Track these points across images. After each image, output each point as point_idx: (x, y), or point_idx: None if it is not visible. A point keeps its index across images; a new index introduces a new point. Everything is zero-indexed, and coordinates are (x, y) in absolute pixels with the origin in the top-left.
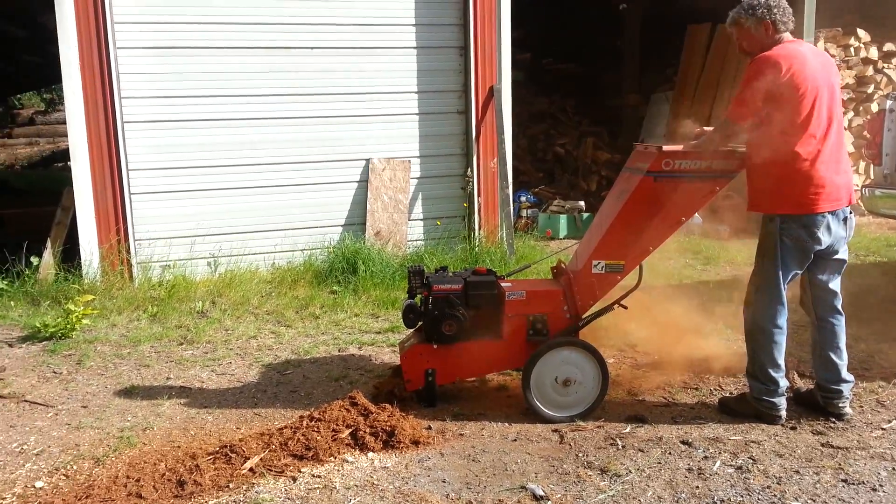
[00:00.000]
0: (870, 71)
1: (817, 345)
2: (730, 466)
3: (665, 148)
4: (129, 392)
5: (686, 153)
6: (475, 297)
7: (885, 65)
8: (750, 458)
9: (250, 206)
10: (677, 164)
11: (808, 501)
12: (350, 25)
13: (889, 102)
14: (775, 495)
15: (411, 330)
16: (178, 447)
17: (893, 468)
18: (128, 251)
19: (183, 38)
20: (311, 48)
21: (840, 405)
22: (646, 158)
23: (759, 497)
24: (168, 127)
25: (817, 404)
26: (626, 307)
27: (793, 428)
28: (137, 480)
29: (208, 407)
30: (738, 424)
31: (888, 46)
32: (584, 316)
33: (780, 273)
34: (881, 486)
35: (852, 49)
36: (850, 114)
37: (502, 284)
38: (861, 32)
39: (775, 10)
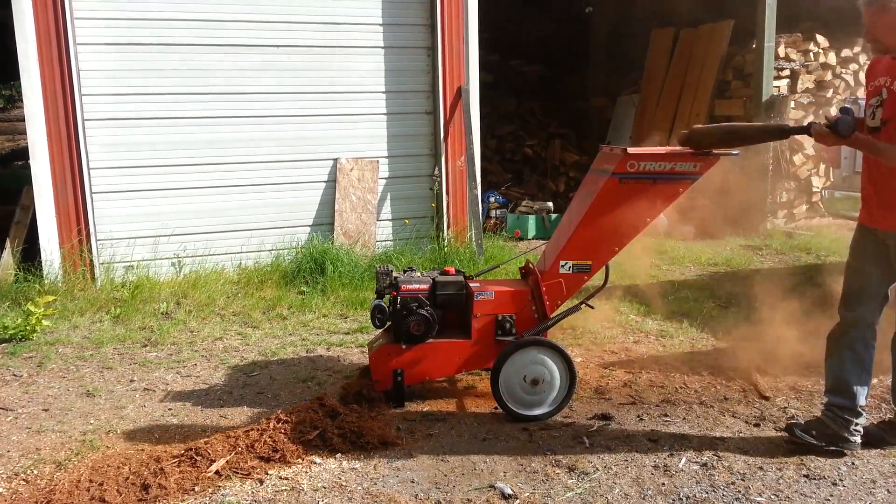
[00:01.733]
0: (829, 76)
1: None
2: (695, 463)
3: (630, 150)
4: (91, 395)
5: (651, 155)
6: (443, 296)
7: (843, 70)
8: (714, 454)
9: (216, 205)
10: (642, 166)
11: (772, 497)
12: (316, 24)
13: (847, 106)
14: (739, 491)
15: (380, 330)
16: (143, 450)
17: (853, 463)
18: (90, 251)
19: (145, 35)
20: (277, 46)
21: None
22: (611, 160)
23: (724, 493)
24: (130, 125)
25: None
26: (592, 307)
27: (756, 425)
28: (101, 484)
29: (173, 409)
30: (703, 421)
31: (846, 52)
32: (551, 316)
33: None
34: (841, 480)
35: (812, 54)
36: (811, 117)
37: (471, 284)
38: (820, 38)
39: None
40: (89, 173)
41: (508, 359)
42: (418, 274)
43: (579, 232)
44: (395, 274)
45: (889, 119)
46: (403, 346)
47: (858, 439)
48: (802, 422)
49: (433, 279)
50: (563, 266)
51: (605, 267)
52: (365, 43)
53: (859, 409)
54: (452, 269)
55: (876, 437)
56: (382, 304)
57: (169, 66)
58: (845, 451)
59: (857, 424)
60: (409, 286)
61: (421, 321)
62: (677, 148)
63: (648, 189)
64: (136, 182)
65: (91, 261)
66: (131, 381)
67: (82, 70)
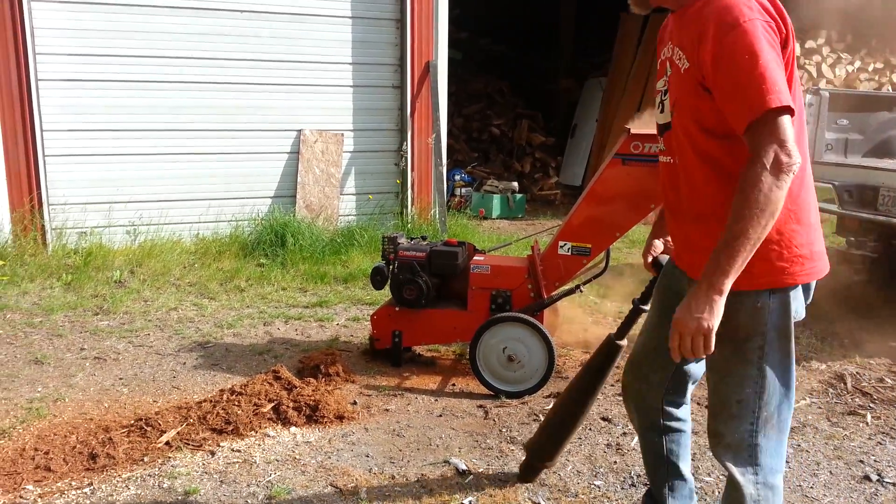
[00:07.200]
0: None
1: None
2: None
3: (633, 130)
4: (39, 362)
5: (655, 136)
6: (437, 265)
7: (807, 61)
8: None
9: (174, 173)
10: (646, 148)
11: (720, 476)
12: None
13: (808, 97)
14: None
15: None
16: (91, 419)
17: (799, 445)
18: (41, 216)
19: None
20: (241, 11)
21: None
22: (619, 141)
23: None
24: (87, 87)
25: None
26: (582, 291)
27: (698, 403)
28: (46, 453)
29: (124, 379)
30: None
31: (809, 43)
32: (547, 296)
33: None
34: (788, 462)
35: None
36: None
37: (475, 258)
38: None
39: None
40: (42, 135)
41: (486, 331)
42: (425, 243)
43: (579, 213)
44: (400, 241)
45: (676, 102)
46: (397, 309)
47: None
48: None
49: (431, 248)
50: (561, 247)
51: (606, 251)
52: (332, 11)
53: None
54: (455, 241)
55: None
56: (382, 266)
57: (128, 27)
58: None
59: None
60: (407, 252)
61: (413, 287)
62: None
63: (652, 172)
64: (92, 146)
65: (42, 226)
66: (82, 349)
67: (37, 28)
